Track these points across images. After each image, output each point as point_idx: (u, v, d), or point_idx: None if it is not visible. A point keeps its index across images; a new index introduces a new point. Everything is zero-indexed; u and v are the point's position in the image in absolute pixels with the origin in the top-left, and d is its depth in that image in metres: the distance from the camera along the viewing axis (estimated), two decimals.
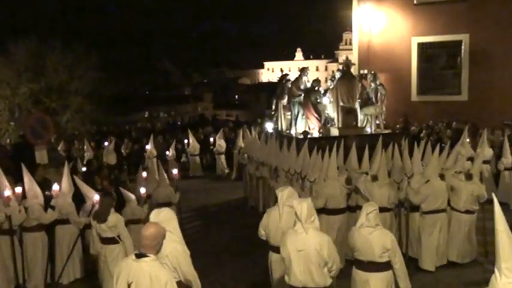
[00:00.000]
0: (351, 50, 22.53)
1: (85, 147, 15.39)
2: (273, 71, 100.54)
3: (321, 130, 12.07)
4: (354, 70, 19.53)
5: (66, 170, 7.83)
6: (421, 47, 18.65)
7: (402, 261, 5.41)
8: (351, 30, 22.14)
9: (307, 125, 12.32)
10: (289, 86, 13.06)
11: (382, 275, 5.30)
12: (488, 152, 12.29)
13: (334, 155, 8.49)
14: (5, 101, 20.28)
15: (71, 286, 7.71)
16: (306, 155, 9.26)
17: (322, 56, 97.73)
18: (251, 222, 7.82)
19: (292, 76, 14.37)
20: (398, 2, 18.88)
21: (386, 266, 5.31)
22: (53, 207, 7.48)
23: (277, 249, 5.51)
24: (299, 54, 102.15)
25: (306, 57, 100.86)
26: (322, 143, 9.82)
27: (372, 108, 12.49)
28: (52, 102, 20.85)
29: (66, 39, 22.53)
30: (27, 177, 7.45)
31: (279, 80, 15.36)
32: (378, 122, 12.69)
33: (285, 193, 5.73)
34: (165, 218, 4.49)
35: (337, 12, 32.33)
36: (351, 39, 34.79)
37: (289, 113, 13.00)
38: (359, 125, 12.39)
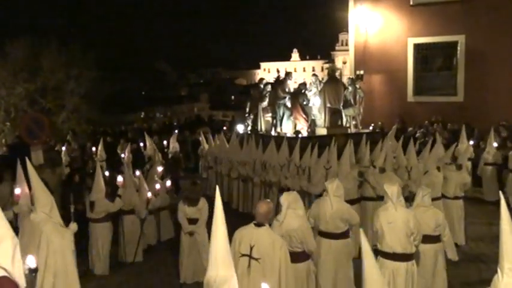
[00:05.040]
0: (347, 50, 22.57)
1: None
2: (269, 72, 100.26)
3: (309, 130, 12.81)
4: (350, 70, 19.76)
5: (126, 169, 9.15)
6: (417, 47, 18.67)
7: (450, 234, 6.56)
8: (347, 31, 22.13)
9: (294, 125, 12.92)
10: (269, 89, 13.71)
11: (435, 246, 6.34)
12: (493, 153, 12.31)
13: (347, 150, 9.38)
14: (1, 101, 20.25)
15: (132, 265, 8.54)
16: (307, 151, 10.06)
17: (319, 57, 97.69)
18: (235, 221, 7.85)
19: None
20: (395, 3, 18.91)
21: (438, 238, 6.32)
22: (119, 196, 8.35)
23: (327, 235, 6.46)
24: (295, 54, 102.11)
25: (302, 57, 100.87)
26: (313, 141, 10.71)
27: (351, 110, 13.46)
28: (48, 102, 20.82)
29: (62, 39, 22.51)
30: (97, 173, 8.08)
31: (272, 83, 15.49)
32: (354, 122, 13.70)
33: (333, 185, 6.56)
34: (294, 199, 5.49)
35: (334, 13, 32.36)
36: (347, 40, 34.84)
37: (269, 115, 13.61)
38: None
